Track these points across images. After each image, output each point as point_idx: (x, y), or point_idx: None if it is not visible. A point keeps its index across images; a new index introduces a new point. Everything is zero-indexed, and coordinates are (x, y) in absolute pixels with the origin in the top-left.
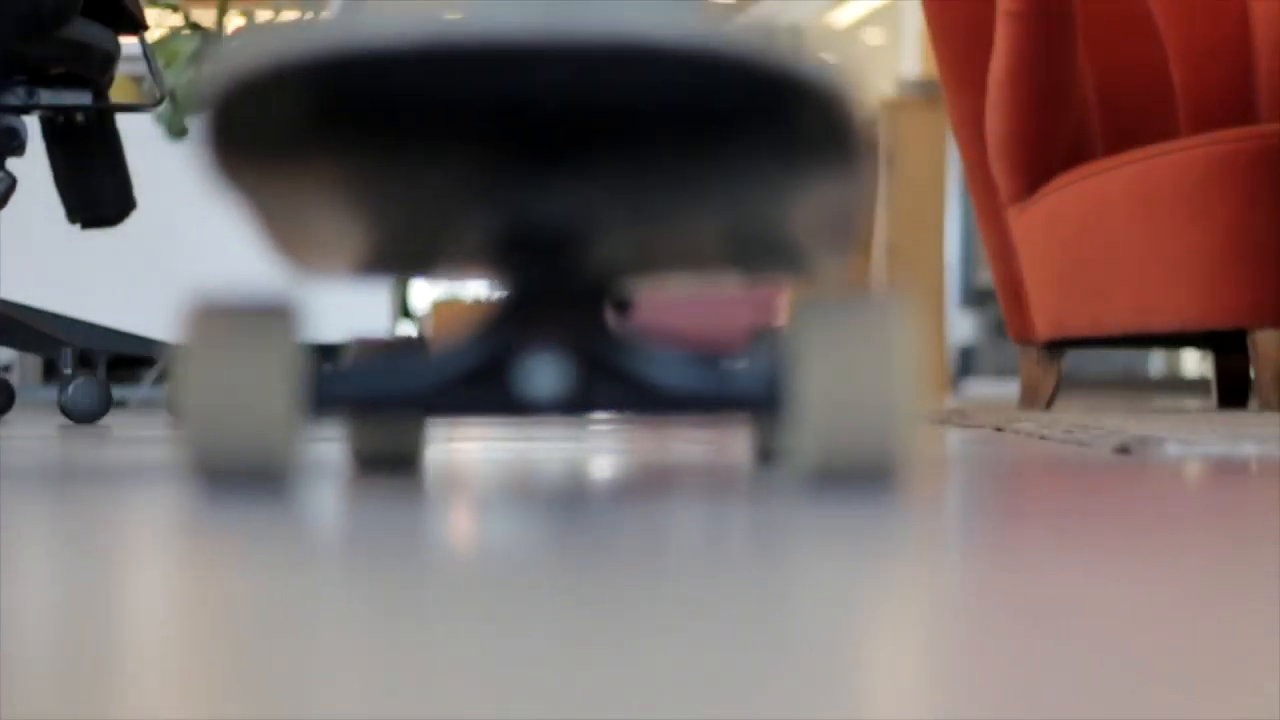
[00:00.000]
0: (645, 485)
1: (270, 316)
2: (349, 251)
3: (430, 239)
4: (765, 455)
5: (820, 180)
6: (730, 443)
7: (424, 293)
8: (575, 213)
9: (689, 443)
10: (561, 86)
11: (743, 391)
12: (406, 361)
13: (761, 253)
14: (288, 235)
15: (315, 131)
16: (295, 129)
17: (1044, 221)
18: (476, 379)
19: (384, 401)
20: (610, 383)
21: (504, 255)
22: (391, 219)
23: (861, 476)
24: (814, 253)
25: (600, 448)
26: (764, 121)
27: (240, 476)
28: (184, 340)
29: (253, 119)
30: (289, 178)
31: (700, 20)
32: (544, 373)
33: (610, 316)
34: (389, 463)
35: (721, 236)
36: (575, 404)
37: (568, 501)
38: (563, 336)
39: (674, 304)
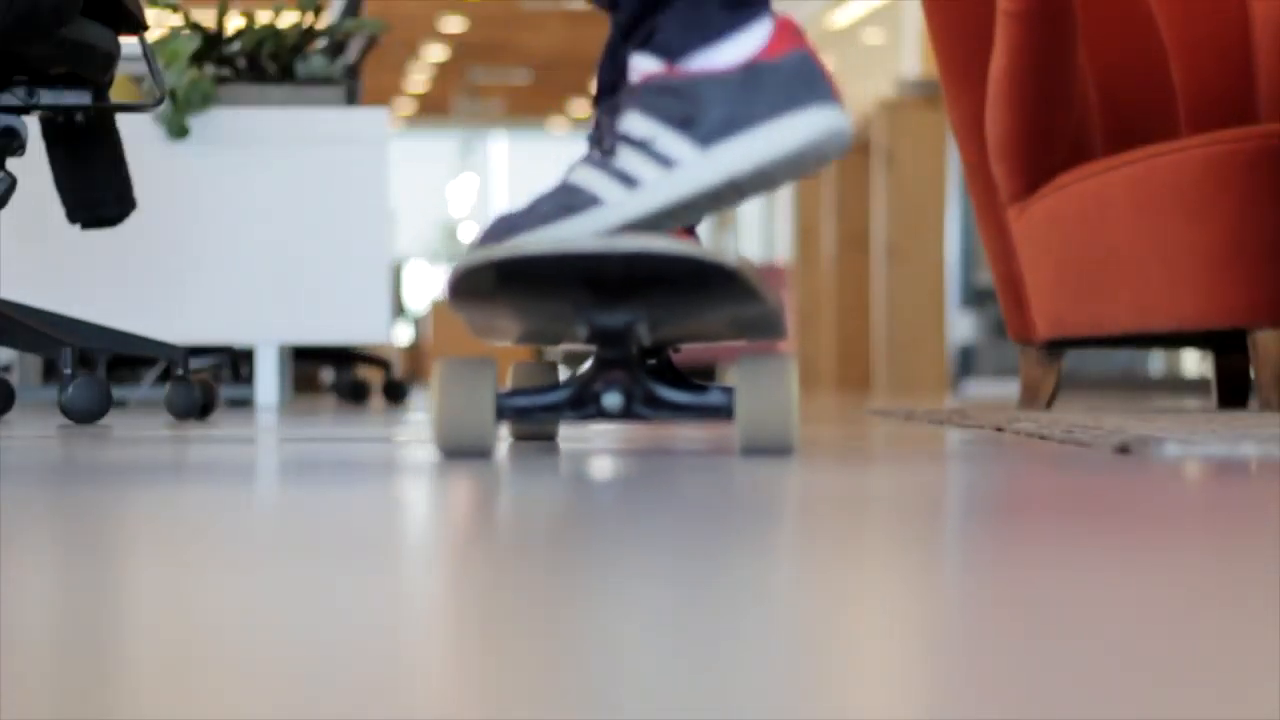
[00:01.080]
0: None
1: (481, 365)
2: (517, 336)
3: (558, 333)
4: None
5: (738, 305)
6: (718, 437)
7: (422, 294)
8: (624, 322)
9: (700, 441)
10: (618, 269)
11: (713, 405)
12: (542, 390)
13: (725, 331)
14: (487, 329)
15: (501, 289)
16: (491, 287)
17: (1044, 221)
18: (580, 400)
19: (531, 412)
20: (645, 401)
21: (593, 340)
22: (538, 325)
23: (773, 452)
24: (757, 330)
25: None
26: (711, 283)
27: (465, 453)
28: (436, 376)
29: (472, 283)
30: (489, 307)
31: (680, 242)
32: (612, 397)
33: (668, 354)
34: (538, 439)
35: (696, 328)
36: (628, 413)
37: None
38: (620, 379)
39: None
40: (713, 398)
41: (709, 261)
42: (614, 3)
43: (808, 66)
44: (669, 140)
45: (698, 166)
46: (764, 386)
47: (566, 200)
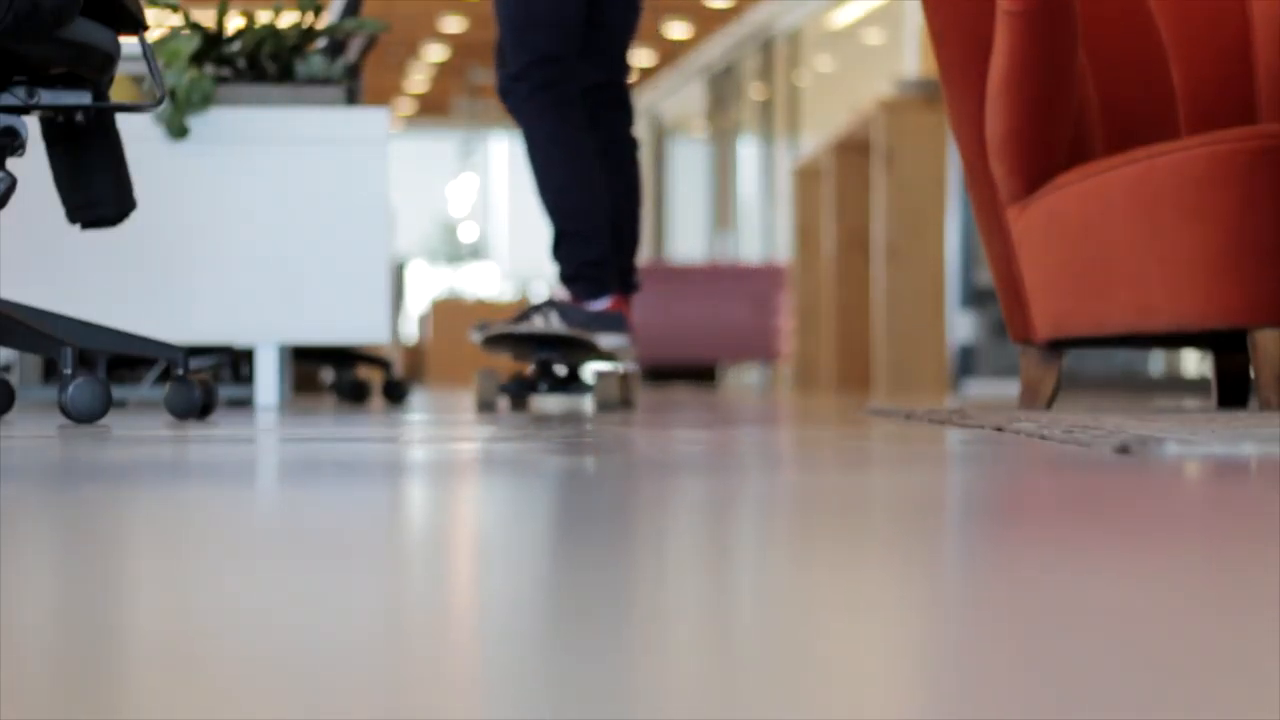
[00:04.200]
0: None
1: (493, 373)
2: (510, 356)
3: (526, 357)
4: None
5: (589, 348)
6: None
7: (424, 293)
8: (548, 355)
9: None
10: (549, 343)
11: (589, 386)
12: (519, 381)
13: (590, 356)
14: (496, 352)
15: (499, 344)
16: (498, 345)
17: (1044, 221)
18: (532, 386)
19: (511, 389)
20: (558, 386)
21: (539, 365)
22: (519, 353)
23: (614, 409)
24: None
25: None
26: (580, 345)
27: (487, 409)
28: (476, 377)
29: (494, 342)
30: (498, 351)
31: (563, 329)
32: (544, 385)
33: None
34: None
35: (576, 357)
36: (551, 391)
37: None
38: (549, 378)
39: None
40: (586, 386)
41: (568, 335)
42: (561, 272)
43: (622, 317)
44: (558, 320)
45: (564, 328)
46: (606, 381)
47: (528, 317)
